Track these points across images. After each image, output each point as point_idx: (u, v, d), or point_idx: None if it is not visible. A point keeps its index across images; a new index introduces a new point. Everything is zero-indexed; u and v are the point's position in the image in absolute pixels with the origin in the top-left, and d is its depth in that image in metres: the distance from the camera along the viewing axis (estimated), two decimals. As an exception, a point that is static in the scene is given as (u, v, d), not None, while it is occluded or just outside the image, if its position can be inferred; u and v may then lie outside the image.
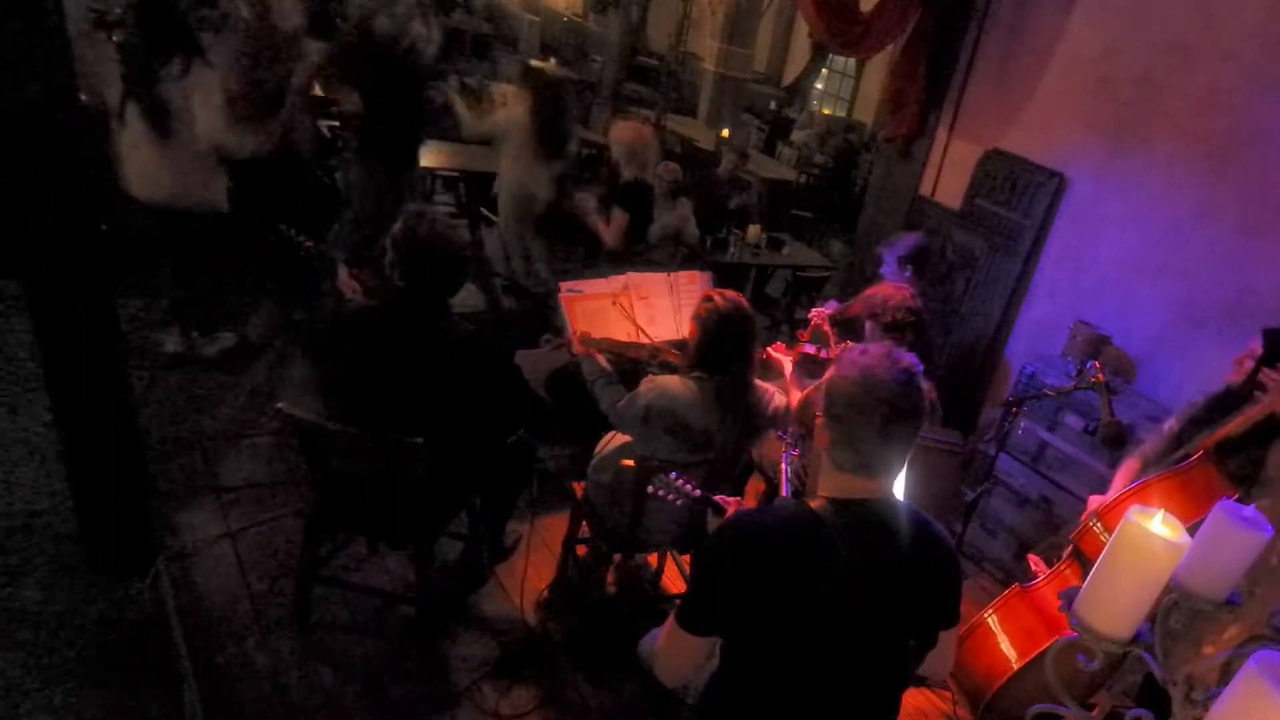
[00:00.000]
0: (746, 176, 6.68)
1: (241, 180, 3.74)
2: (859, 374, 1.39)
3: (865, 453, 1.40)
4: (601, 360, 2.73)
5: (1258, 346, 2.45)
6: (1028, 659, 2.61)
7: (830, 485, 1.45)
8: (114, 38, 6.29)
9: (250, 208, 3.86)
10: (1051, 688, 1.31)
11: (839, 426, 1.41)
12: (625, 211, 4.24)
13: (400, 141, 4.39)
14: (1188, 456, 2.42)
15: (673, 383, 2.48)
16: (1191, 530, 1.20)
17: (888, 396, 1.36)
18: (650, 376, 2.54)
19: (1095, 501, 2.69)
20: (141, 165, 3.43)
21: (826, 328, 3.49)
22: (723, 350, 2.46)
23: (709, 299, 2.51)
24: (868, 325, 2.96)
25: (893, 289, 2.99)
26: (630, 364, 2.87)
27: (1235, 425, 2.35)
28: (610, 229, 4.27)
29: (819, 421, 1.48)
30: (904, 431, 1.39)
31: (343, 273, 2.74)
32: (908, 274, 3.63)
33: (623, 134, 4.33)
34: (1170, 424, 2.66)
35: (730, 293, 2.55)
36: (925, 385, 1.46)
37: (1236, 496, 2.24)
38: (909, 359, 1.42)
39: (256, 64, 3.67)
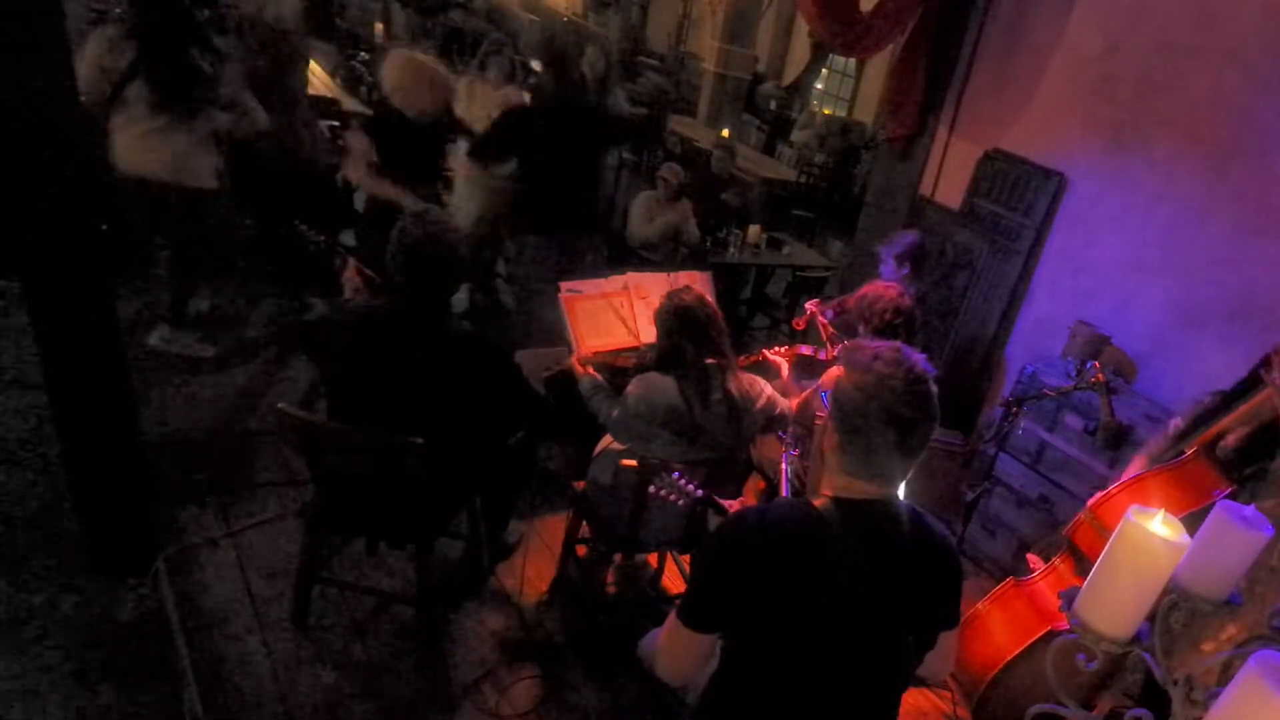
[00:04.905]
0: (744, 176, 6.66)
1: (240, 165, 3.86)
2: (870, 382, 1.34)
3: (875, 461, 1.37)
4: (598, 376, 2.77)
5: None
6: (1020, 649, 2.63)
7: (834, 484, 1.43)
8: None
9: (246, 192, 4.04)
10: (1051, 687, 1.31)
11: (847, 435, 1.38)
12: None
13: None
14: (1182, 453, 2.42)
15: (653, 376, 2.55)
16: (1186, 522, 1.20)
17: (901, 408, 1.33)
18: (637, 377, 2.58)
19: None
20: (134, 141, 3.49)
21: (822, 319, 3.48)
22: (676, 344, 2.53)
23: (665, 298, 2.59)
24: (860, 328, 2.95)
25: (882, 288, 2.96)
26: (634, 369, 2.88)
27: (1231, 419, 2.35)
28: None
29: (820, 422, 1.47)
30: (916, 442, 1.36)
31: (351, 266, 2.72)
32: (905, 271, 3.63)
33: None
34: (1176, 422, 2.66)
35: (688, 288, 2.63)
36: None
37: (1230, 490, 2.25)
38: (921, 365, 1.37)
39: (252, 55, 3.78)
